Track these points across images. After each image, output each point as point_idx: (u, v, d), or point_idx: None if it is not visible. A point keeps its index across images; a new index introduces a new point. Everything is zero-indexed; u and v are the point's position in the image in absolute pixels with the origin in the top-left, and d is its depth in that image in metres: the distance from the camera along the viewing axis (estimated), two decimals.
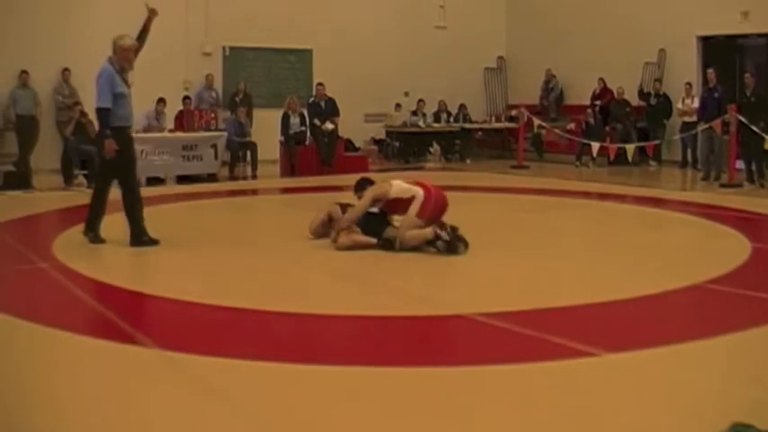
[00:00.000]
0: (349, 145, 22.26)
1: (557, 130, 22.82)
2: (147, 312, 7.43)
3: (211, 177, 18.66)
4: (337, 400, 5.13)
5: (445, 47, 25.40)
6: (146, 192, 16.02)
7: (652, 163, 21.23)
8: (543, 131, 23.45)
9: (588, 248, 10.56)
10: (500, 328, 6.62)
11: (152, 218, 13.04)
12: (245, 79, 22.23)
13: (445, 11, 25.55)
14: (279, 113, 20.53)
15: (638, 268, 9.05)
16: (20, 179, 16.73)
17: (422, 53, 25.12)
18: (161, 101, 18.92)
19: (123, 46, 10.44)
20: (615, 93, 22.80)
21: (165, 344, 6.16)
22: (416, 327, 6.87)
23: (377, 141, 24.69)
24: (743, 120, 16.83)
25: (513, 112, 24.65)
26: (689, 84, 20.58)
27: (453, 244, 9.44)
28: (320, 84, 21.21)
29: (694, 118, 19.49)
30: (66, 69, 19.14)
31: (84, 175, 16.84)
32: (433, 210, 9.72)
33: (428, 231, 9.53)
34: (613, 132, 22.09)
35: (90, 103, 17.19)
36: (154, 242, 10.29)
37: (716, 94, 18.59)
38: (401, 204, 9.80)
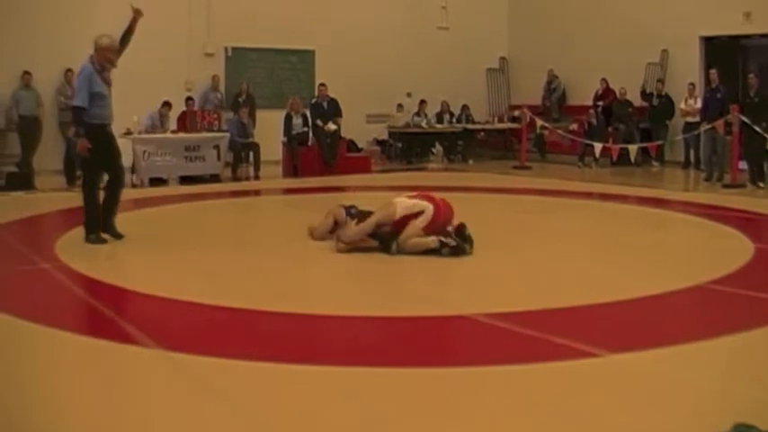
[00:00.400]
0: (351, 146, 22.25)
1: (559, 131, 22.81)
2: (148, 313, 7.41)
3: (214, 178, 18.65)
4: (338, 400, 5.12)
5: (447, 47, 25.39)
6: (148, 192, 16.21)
7: (655, 163, 21.19)
8: (546, 132, 23.47)
9: (591, 249, 10.54)
10: (502, 328, 6.62)
11: (155, 218, 13.14)
12: (248, 80, 22.22)
13: (447, 11, 25.52)
14: (281, 114, 20.54)
15: (641, 269, 9.04)
16: (22, 180, 16.73)
17: (424, 54, 25.11)
18: (166, 104, 18.90)
19: (102, 45, 10.47)
20: (618, 93, 22.77)
21: (166, 344, 6.15)
22: (419, 327, 6.86)
23: (379, 142, 24.68)
24: (746, 120, 16.81)
25: (516, 113, 24.65)
26: (692, 84, 20.55)
27: (460, 248, 9.41)
28: (323, 84, 21.22)
29: (697, 118, 19.47)
30: (69, 70, 19.08)
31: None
32: (439, 225, 9.62)
33: (430, 240, 9.46)
34: (616, 133, 22.07)
35: None
36: (119, 236, 10.64)
37: (718, 95, 18.59)
38: (409, 220, 9.60)
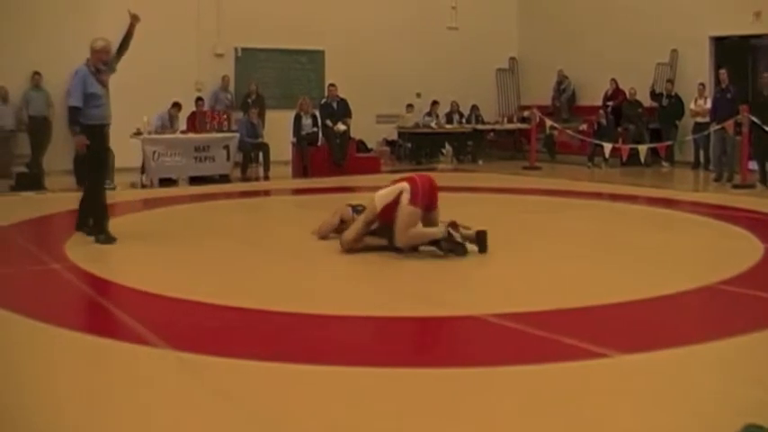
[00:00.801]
0: (361, 146, 22.25)
1: (569, 131, 22.80)
2: (156, 312, 7.42)
3: (224, 178, 18.66)
4: (347, 401, 5.13)
5: (457, 48, 25.38)
6: (158, 193, 16.23)
7: (664, 164, 21.15)
8: (555, 132, 23.46)
9: (600, 249, 10.53)
10: (512, 328, 6.62)
11: (165, 218, 13.15)
12: (257, 80, 22.24)
13: (457, 12, 25.51)
14: (291, 114, 20.55)
15: (650, 269, 9.03)
16: (32, 180, 16.77)
17: (434, 54, 25.10)
18: (176, 105, 18.90)
19: (96, 48, 10.85)
20: (627, 93, 22.75)
21: (175, 344, 6.17)
22: (427, 328, 6.87)
23: (389, 142, 24.69)
24: (755, 120, 16.78)
25: (526, 113, 24.65)
26: (702, 84, 20.51)
27: (461, 246, 9.39)
28: (332, 85, 21.25)
29: (707, 119, 19.44)
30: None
31: None
32: (425, 194, 9.49)
33: (437, 230, 9.44)
34: (626, 133, 22.04)
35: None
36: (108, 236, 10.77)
37: (728, 95, 18.55)
38: (393, 207, 9.49)
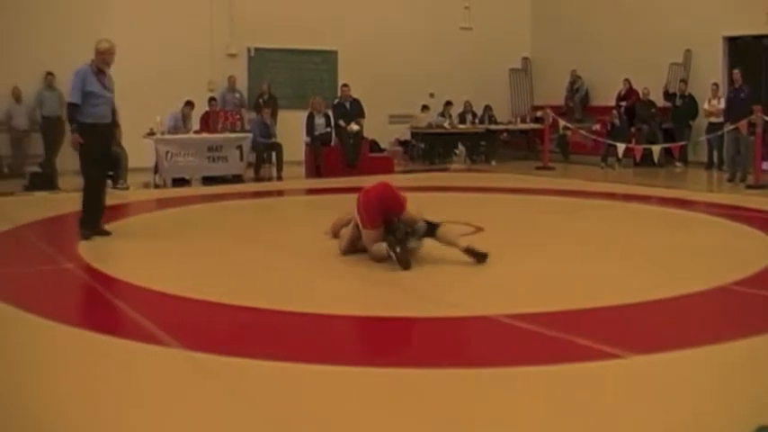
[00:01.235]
0: (374, 146, 22.22)
1: (582, 131, 22.79)
2: (170, 312, 7.43)
3: (237, 178, 18.66)
4: (359, 401, 5.13)
5: (470, 48, 25.40)
6: (171, 193, 16.24)
7: (678, 164, 21.12)
8: (569, 132, 23.46)
9: (613, 250, 10.50)
10: (525, 329, 6.60)
11: (178, 218, 13.17)
12: (271, 80, 22.27)
13: (470, 12, 25.54)
14: (304, 115, 20.54)
15: (664, 269, 9.01)
16: (46, 180, 16.81)
17: (447, 54, 25.11)
18: (188, 104, 18.91)
19: (99, 49, 11.12)
20: (641, 93, 22.73)
21: (188, 344, 6.17)
22: (440, 328, 6.86)
23: (402, 142, 24.69)
24: None
25: (539, 113, 24.66)
26: (715, 84, 20.49)
27: (401, 257, 8.99)
28: (345, 85, 21.24)
29: (721, 119, 19.42)
30: None
31: (110, 176, 16.86)
32: (369, 213, 9.19)
33: (383, 247, 9.13)
34: (639, 133, 22.03)
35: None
36: (105, 233, 11.17)
37: (742, 95, 18.50)
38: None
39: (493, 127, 25.04)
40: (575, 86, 25.26)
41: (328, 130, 20.48)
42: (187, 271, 9.21)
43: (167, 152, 17.84)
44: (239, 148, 18.83)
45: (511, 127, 25.73)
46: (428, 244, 9.52)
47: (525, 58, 27.42)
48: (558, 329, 6.51)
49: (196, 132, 18.88)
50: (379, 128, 22.70)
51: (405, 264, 8.82)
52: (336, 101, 21.22)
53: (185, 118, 18.87)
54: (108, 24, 19.47)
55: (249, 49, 22.74)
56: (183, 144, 18.17)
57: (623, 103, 23.11)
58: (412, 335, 6.75)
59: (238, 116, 19.76)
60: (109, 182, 16.43)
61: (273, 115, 20.76)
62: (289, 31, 22.47)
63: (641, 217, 13.59)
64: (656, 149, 20.01)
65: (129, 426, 4.77)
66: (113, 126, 11.80)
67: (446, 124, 23.96)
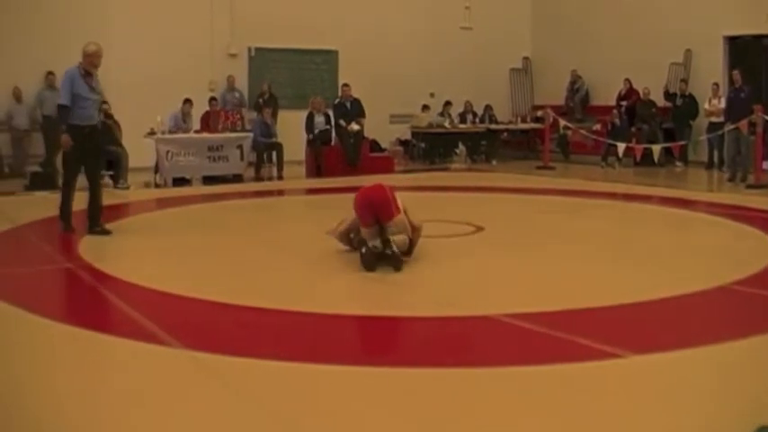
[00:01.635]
0: (375, 146, 22.21)
1: (582, 131, 22.77)
2: (171, 312, 7.43)
3: (237, 178, 18.65)
4: (361, 400, 5.14)
5: (471, 48, 25.38)
6: (172, 192, 16.24)
7: (678, 164, 21.12)
8: (569, 132, 23.45)
9: (614, 249, 10.51)
10: (525, 329, 6.61)
11: (178, 218, 13.17)
12: (271, 80, 22.26)
13: (471, 12, 25.52)
14: (305, 114, 20.48)
15: (664, 269, 9.01)
16: (46, 180, 16.80)
17: (447, 54, 25.10)
18: (187, 102, 18.90)
19: (87, 51, 11.29)
20: (641, 93, 22.72)
21: (189, 343, 6.18)
22: (441, 328, 6.86)
23: (402, 142, 24.67)
24: None
25: (539, 113, 24.63)
26: (716, 84, 20.49)
27: (363, 260, 9.00)
28: (346, 84, 21.22)
29: (721, 118, 19.42)
30: None
31: (110, 176, 16.89)
32: (362, 214, 9.24)
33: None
34: (639, 133, 22.02)
35: (115, 105, 17.40)
36: (106, 231, 11.38)
37: (742, 95, 18.49)
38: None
39: (493, 127, 25.01)
40: (575, 86, 25.26)
41: (328, 127, 20.46)
42: (188, 270, 9.22)
43: (168, 152, 17.83)
44: (240, 147, 18.82)
45: (511, 127, 25.71)
46: (429, 244, 9.54)
47: (526, 58, 27.41)
48: (559, 329, 6.52)
49: (197, 132, 18.86)
50: (379, 127, 22.69)
51: (365, 265, 8.82)
52: (337, 101, 21.20)
53: (185, 116, 18.85)
54: (108, 24, 19.55)
55: (250, 49, 22.73)
56: (184, 144, 18.15)
57: (624, 103, 23.10)
58: (413, 334, 6.76)
59: (239, 116, 19.75)
60: (110, 181, 16.57)
61: (274, 115, 20.74)
62: (289, 30, 22.46)
63: (642, 217, 13.60)
64: (657, 149, 20.00)
65: (129, 426, 4.77)
66: (99, 127, 11.95)
67: (446, 124, 23.95)
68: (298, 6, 22.53)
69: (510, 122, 25.87)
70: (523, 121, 25.87)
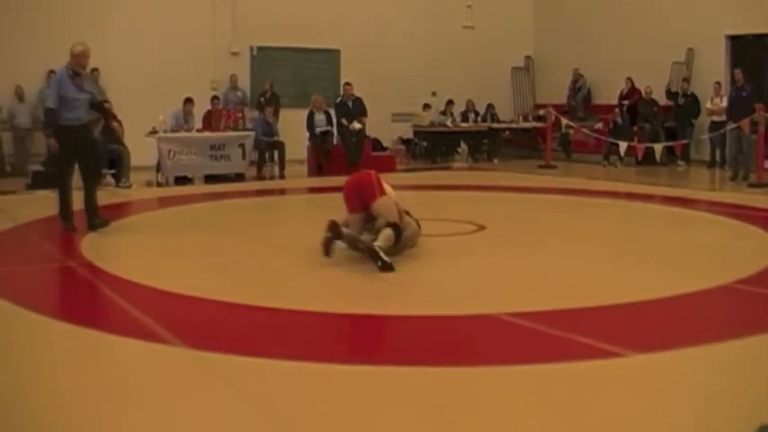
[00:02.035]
0: (376, 144, 22.25)
1: (584, 130, 22.76)
2: (172, 310, 7.43)
3: (239, 177, 18.67)
4: (364, 400, 5.13)
5: (473, 47, 25.38)
6: (173, 191, 16.25)
7: (680, 163, 21.13)
8: (571, 131, 23.43)
9: (615, 248, 10.51)
10: (527, 327, 6.61)
11: (180, 217, 13.17)
12: (273, 79, 22.26)
13: (473, 11, 25.48)
14: (306, 113, 20.49)
15: (666, 268, 9.01)
16: (48, 178, 16.80)
17: (449, 53, 25.13)
18: (188, 101, 18.90)
19: (74, 52, 11.42)
20: (643, 92, 22.71)
21: (191, 342, 6.18)
22: (443, 326, 6.85)
23: (404, 141, 24.67)
24: None
25: (541, 112, 24.62)
26: (718, 83, 20.49)
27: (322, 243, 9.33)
28: (348, 83, 21.23)
29: (723, 117, 19.42)
30: (94, 69, 19.13)
31: (112, 175, 16.91)
32: (346, 201, 9.48)
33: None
34: (641, 132, 22.01)
35: (117, 104, 17.42)
36: (104, 223, 11.56)
37: (744, 94, 18.49)
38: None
39: (495, 125, 25.02)
40: (577, 85, 25.26)
41: (329, 128, 20.44)
42: (189, 269, 9.21)
43: (170, 150, 17.85)
44: (242, 146, 18.83)
45: (513, 125, 25.73)
46: (430, 243, 9.54)
47: (528, 57, 27.42)
48: (560, 328, 6.52)
49: (198, 131, 18.87)
50: (381, 126, 22.70)
51: (323, 249, 9.21)
52: (339, 99, 21.22)
53: (187, 115, 18.86)
54: (110, 23, 19.60)
55: (252, 48, 22.75)
56: (186, 142, 18.17)
57: (625, 102, 23.10)
58: (415, 333, 6.74)
59: (241, 115, 19.74)
60: (112, 180, 16.59)
61: (276, 114, 20.75)
62: (291, 29, 22.47)
63: (643, 216, 13.60)
64: (659, 148, 20.01)
65: (130, 425, 4.77)
66: (89, 127, 12.06)
67: (448, 123, 23.96)
68: (300, 5, 22.55)
69: (512, 121, 25.89)
70: (525, 119, 25.87)
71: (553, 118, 22.65)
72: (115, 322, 7.17)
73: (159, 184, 17.64)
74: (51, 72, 19.00)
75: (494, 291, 8.15)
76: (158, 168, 17.99)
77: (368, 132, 21.03)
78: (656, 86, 22.33)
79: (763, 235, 11.02)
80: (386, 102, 23.23)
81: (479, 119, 24.95)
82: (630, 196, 15.63)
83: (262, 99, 21.34)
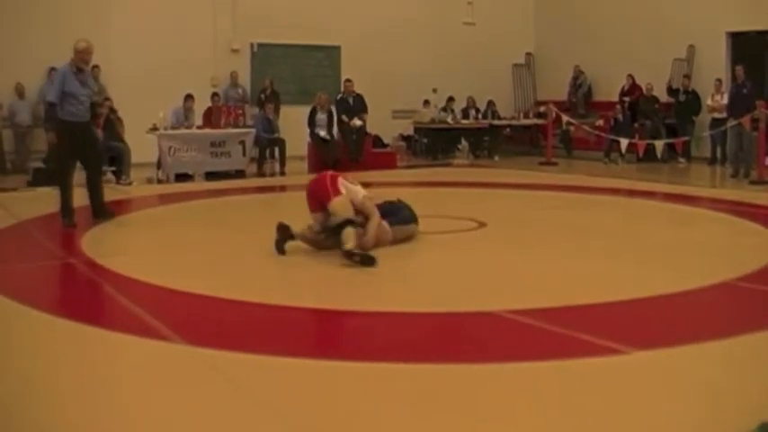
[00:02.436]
0: (377, 141, 22.26)
1: (585, 127, 22.77)
2: (173, 307, 7.43)
3: (239, 174, 18.67)
4: (366, 397, 5.13)
5: (473, 43, 25.40)
6: (174, 188, 16.25)
7: (681, 160, 21.13)
8: (572, 128, 23.41)
9: (616, 245, 10.50)
10: (527, 324, 6.61)
11: (180, 214, 13.17)
12: (274, 76, 22.27)
13: (473, 7, 25.53)
14: (307, 110, 20.44)
15: (667, 265, 9.00)
16: (49, 176, 16.80)
17: (450, 50, 25.12)
18: (189, 97, 18.89)
19: (77, 48, 11.54)
20: (644, 89, 22.71)
21: (192, 339, 6.17)
22: (443, 324, 6.85)
23: (405, 138, 24.68)
24: None
25: (542, 109, 24.61)
26: (718, 80, 20.50)
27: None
28: (348, 80, 21.23)
29: (724, 114, 19.43)
30: (95, 66, 19.13)
31: (113, 172, 16.90)
32: (309, 198, 9.71)
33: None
34: (642, 129, 22.01)
35: (117, 101, 17.43)
36: (111, 214, 11.99)
37: (745, 91, 18.51)
38: None
39: (496, 122, 25.02)
40: (578, 82, 25.28)
41: (328, 138, 20.25)
42: (190, 266, 9.21)
43: (170, 147, 17.84)
44: (242, 143, 18.82)
45: (514, 122, 25.71)
46: (431, 239, 9.54)
47: (528, 54, 27.42)
48: (561, 325, 6.52)
49: (199, 128, 18.86)
50: (382, 123, 22.73)
51: (276, 246, 9.46)
52: (339, 96, 21.21)
53: (187, 112, 18.84)
54: (110, 20, 19.60)
55: (252, 45, 22.77)
56: (186, 139, 18.16)
57: (626, 99, 23.10)
58: (415, 330, 6.74)
59: (241, 111, 19.72)
60: (112, 177, 16.58)
61: (276, 111, 20.75)
62: (292, 26, 22.50)
63: (644, 212, 13.58)
64: (659, 145, 20.04)
65: (130, 421, 4.77)
66: (90, 124, 12.14)
67: (449, 119, 23.97)
68: (300, 2, 22.58)
69: (513, 118, 25.87)
70: (526, 116, 25.85)
71: (554, 115, 22.63)
72: (116, 319, 7.17)
73: (160, 181, 17.64)
74: (52, 69, 19.04)
75: (494, 287, 8.14)
76: (159, 165, 17.99)
77: (368, 129, 21.05)
78: (657, 83, 22.33)
79: (764, 232, 11.02)
80: (386, 98, 23.25)
81: (480, 115, 24.92)
82: (631, 193, 15.62)
83: (262, 96, 21.36)
